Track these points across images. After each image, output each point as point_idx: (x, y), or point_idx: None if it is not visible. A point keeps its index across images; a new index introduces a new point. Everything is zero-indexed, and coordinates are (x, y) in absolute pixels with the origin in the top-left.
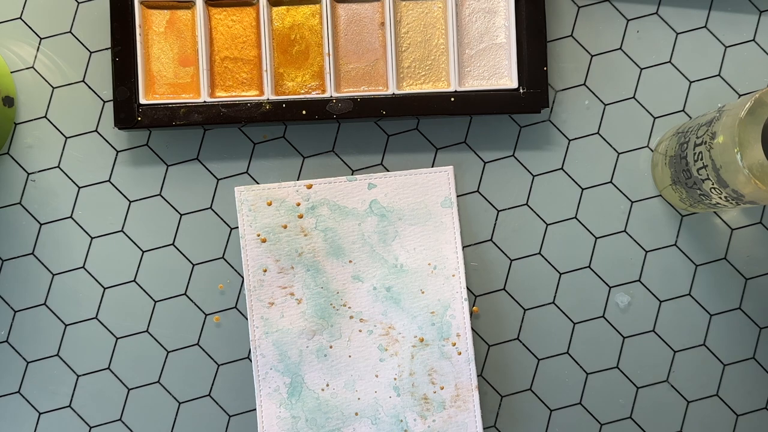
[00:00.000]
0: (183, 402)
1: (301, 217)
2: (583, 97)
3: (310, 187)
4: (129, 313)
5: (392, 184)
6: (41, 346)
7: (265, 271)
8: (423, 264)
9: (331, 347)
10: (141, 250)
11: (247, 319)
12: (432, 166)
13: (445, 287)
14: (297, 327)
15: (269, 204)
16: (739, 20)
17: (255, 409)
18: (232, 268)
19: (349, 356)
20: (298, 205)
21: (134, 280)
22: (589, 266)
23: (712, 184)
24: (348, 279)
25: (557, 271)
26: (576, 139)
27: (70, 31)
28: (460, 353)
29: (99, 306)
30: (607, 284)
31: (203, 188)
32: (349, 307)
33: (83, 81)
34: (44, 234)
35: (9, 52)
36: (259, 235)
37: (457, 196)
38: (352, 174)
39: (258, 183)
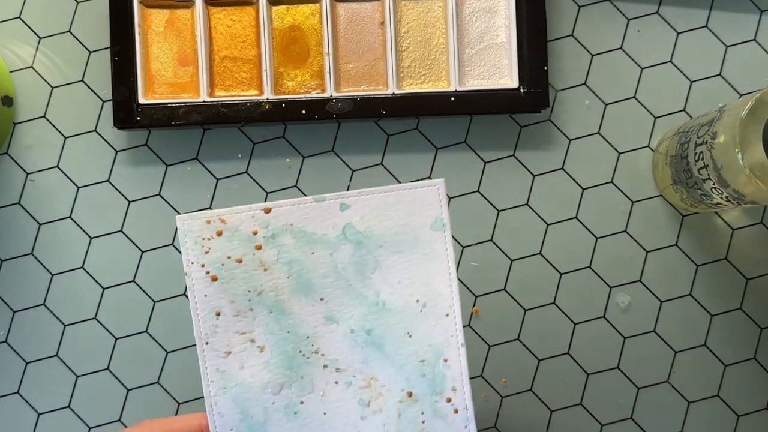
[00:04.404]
0: (183, 402)
1: (259, 248)
2: (583, 96)
3: (268, 211)
4: (128, 314)
5: (370, 204)
6: (40, 347)
7: (218, 314)
8: (410, 301)
9: (301, 403)
10: (140, 250)
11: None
12: (431, 167)
13: (438, 329)
14: (260, 380)
15: (219, 234)
16: (740, 20)
17: None
18: None
19: (324, 413)
20: (255, 233)
21: (133, 281)
22: (589, 266)
23: (713, 184)
24: (320, 321)
25: (558, 271)
26: (576, 138)
27: (69, 31)
28: (456, 411)
29: (98, 306)
30: (607, 284)
31: (203, 188)
32: (323, 355)
33: (82, 81)
34: (43, 234)
35: (8, 51)
36: (208, 273)
37: (454, 198)
38: (351, 173)
39: (258, 183)
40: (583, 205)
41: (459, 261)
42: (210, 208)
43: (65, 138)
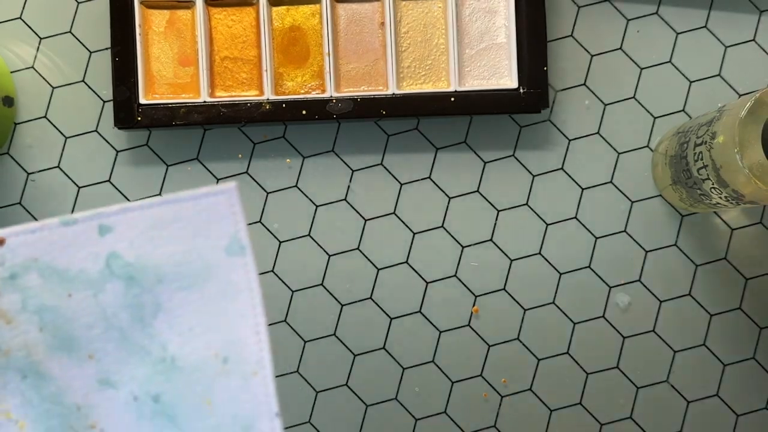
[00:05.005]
0: None
1: None
2: (583, 97)
3: (1, 242)
4: None
5: (138, 224)
6: None
7: None
8: (207, 355)
9: None
10: None
11: None
12: (431, 167)
13: (244, 394)
14: None
15: None
16: (739, 20)
17: None
18: None
19: None
20: None
21: None
22: (589, 266)
23: (713, 184)
24: (92, 385)
25: (557, 271)
26: (576, 139)
27: (69, 31)
28: None
29: None
30: (607, 284)
31: None
32: (102, 430)
33: (83, 81)
34: None
35: (9, 52)
36: None
37: (451, 198)
38: (352, 173)
39: (258, 183)
40: (582, 205)
41: (459, 261)
42: None
43: (66, 138)
